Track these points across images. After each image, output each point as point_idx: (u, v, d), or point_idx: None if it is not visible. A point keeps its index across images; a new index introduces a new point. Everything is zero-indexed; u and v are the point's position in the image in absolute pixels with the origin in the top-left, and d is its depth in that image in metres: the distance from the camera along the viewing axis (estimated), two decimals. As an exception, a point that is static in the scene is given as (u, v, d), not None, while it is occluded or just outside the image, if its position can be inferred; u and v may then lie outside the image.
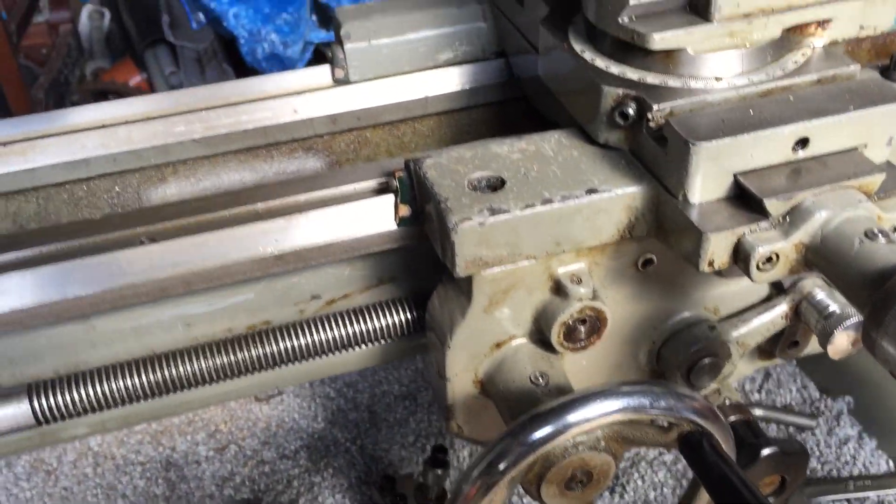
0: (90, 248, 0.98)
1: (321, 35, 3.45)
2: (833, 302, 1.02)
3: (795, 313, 1.06)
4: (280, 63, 3.47)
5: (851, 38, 0.95)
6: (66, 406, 0.98)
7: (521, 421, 0.84)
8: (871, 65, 1.04)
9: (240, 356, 1.02)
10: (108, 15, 4.54)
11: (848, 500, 1.26)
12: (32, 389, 0.98)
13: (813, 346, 1.15)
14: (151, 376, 1.00)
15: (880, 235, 0.79)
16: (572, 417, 0.83)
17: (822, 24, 0.94)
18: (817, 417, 1.38)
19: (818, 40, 0.95)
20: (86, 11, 4.51)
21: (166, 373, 1.00)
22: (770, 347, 1.13)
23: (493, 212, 0.89)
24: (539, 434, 0.83)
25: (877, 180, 0.85)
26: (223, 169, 1.21)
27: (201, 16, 3.68)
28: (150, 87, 4.10)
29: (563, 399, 0.84)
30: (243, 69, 3.46)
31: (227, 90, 1.21)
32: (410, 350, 1.16)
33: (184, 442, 1.40)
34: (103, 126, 1.16)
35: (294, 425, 1.41)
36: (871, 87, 0.90)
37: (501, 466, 0.84)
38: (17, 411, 0.97)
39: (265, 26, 3.45)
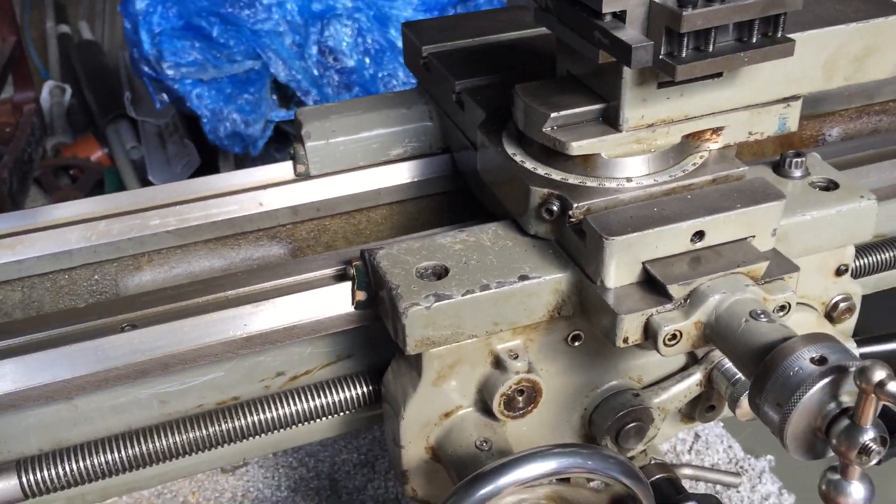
0: (76, 335, 1.08)
1: (281, 114, 3.61)
2: (739, 372, 1.16)
3: (709, 380, 1.20)
4: (241, 140, 3.61)
5: (742, 141, 1.11)
6: (51, 480, 1.07)
7: (465, 482, 0.96)
8: (766, 160, 1.21)
9: (210, 430, 1.12)
10: (69, 91, 4.66)
11: None
12: (20, 465, 1.07)
13: (729, 411, 1.29)
14: (129, 451, 1.09)
15: (763, 315, 0.93)
16: (510, 477, 0.94)
17: (715, 131, 1.10)
18: (741, 475, 1.51)
19: (713, 144, 1.10)
20: (47, 87, 4.62)
21: (142, 448, 1.10)
22: (690, 412, 1.26)
23: (438, 298, 1.02)
24: (482, 492, 0.94)
25: (762, 267, 1.00)
26: (194, 257, 1.33)
27: (164, 96, 3.80)
28: (111, 162, 4.21)
29: (501, 460, 0.96)
30: (204, 144, 3.59)
31: (198, 185, 1.34)
32: (368, 420, 1.27)
33: None
34: (84, 220, 1.27)
35: (259, 494, 1.50)
36: (758, 187, 1.05)
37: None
38: (7, 486, 1.06)
39: (227, 106, 3.59)
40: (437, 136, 1.41)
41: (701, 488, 1.46)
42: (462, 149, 1.36)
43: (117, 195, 1.30)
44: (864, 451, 0.81)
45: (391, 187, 1.38)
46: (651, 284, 1.00)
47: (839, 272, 1.20)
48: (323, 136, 1.37)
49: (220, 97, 3.67)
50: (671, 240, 1.00)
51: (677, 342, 0.98)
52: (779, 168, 1.19)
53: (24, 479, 1.06)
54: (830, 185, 1.16)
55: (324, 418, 1.20)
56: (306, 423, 1.18)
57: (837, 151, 1.36)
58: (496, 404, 1.09)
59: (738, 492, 1.44)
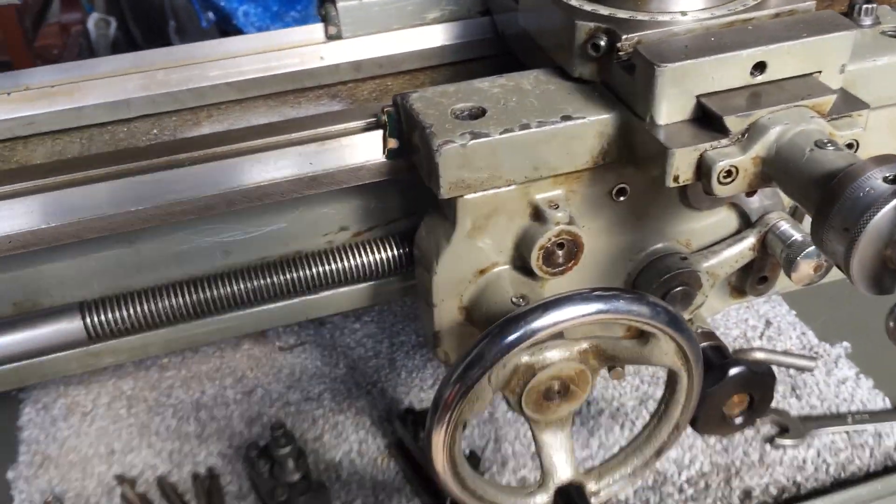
0: (139, 169, 1.04)
1: (329, 32, 3.54)
2: (796, 232, 1.08)
3: (762, 245, 1.12)
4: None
5: (812, -23, 1.02)
6: (114, 322, 1.06)
7: (497, 325, 0.90)
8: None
9: (271, 280, 1.11)
10: (114, 23, 4.64)
11: (847, 433, 1.32)
12: (84, 307, 1.06)
13: (781, 284, 1.21)
14: (191, 297, 1.08)
15: (829, 144, 0.85)
16: (545, 320, 0.88)
17: (781, -37, 1.00)
18: (817, 360, 1.45)
19: (778, -22, 1.01)
20: (92, 20, 4.61)
21: (204, 294, 1.09)
22: (741, 283, 1.19)
23: (475, 135, 0.95)
24: (512, 336, 0.89)
25: (829, 101, 0.91)
26: (253, 114, 1.28)
27: (211, 15, 3.77)
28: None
29: (536, 303, 0.90)
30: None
31: (248, 42, 1.29)
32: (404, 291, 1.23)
33: (212, 387, 1.48)
34: (142, 71, 1.24)
35: (317, 371, 1.49)
36: (826, 19, 0.96)
37: (477, 369, 0.90)
38: (70, 327, 1.06)
39: (274, 24, 3.55)
40: (477, -2, 1.33)
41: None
42: (504, 10, 1.28)
43: (173, 48, 1.25)
44: (941, 277, 0.73)
45: (429, 50, 1.31)
46: (705, 120, 0.93)
47: (914, 136, 1.10)
48: (356, -3, 1.30)
49: (267, 15, 3.63)
50: (729, 70, 0.92)
51: (733, 180, 0.90)
52: (849, 15, 1.09)
53: (87, 320, 1.06)
54: (905, 32, 1.06)
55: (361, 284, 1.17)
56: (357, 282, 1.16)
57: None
58: (535, 259, 1.02)
59: (813, 376, 1.39)
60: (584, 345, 0.97)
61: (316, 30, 1.31)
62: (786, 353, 1.46)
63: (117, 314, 1.07)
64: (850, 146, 0.91)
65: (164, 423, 1.44)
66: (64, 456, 1.38)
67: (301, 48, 1.28)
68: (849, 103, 0.94)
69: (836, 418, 1.35)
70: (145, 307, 1.08)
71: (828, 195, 0.79)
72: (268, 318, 1.20)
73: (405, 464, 1.32)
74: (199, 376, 1.51)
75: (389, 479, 1.33)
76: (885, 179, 0.76)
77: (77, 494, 1.32)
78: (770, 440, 1.33)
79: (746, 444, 1.33)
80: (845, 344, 1.48)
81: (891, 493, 1.20)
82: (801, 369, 1.44)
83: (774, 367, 1.41)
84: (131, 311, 1.08)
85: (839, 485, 1.26)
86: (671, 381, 0.99)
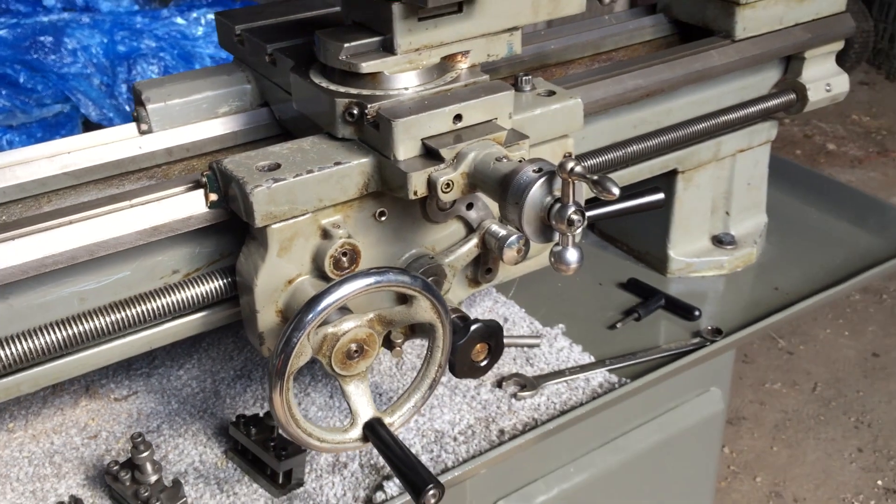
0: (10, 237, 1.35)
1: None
2: (503, 229, 1.58)
3: (483, 243, 1.60)
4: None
5: (483, 62, 1.55)
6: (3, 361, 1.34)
7: (306, 303, 1.29)
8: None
9: (120, 315, 1.43)
10: None
11: (566, 382, 1.80)
12: None
13: (503, 274, 1.70)
14: (53, 336, 1.38)
15: (505, 159, 1.35)
16: (338, 292, 1.29)
17: (464, 53, 1.53)
18: (541, 338, 1.95)
19: (463, 64, 1.53)
20: None
21: (65, 333, 1.38)
22: (474, 275, 1.67)
23: (276, 180, 1.36)
24: (312, 312, 1.28)
25: (503, 135, 1.43)
26: (87, 195, 1.58)
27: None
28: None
29: (330, 283, 1.30)
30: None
31: (85, 140, 1.62)
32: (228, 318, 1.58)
33: (59, 437, 1.66)
34: None
35: (152, 411, 1.72)
36: (496, 85, 1.49)
37: (294, 336, 1.28)
38: None
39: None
40: (256, 95, 1.76)
41: (511, 352, 1.88)
42: (279, 101, 1.71)
43: (18, 150, 1.55)
44: (570, 222, 1.24)
45: (224, 135, 1.71)
46: (429, 154, 1.40)
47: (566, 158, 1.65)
48: (161, 100, 1.68)
49: (32, 141, 3.81)
50: (439, 121, 1.40)
51: (451, 189, 1.38)
52: (515, 85, 1.63)
53: None
54: (550, 93, 1.62)
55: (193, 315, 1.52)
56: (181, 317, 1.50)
57: (570, 79, 1.84)
58: (327, 265, 1.43)
59: (540, 349, 1.89)
60: (371, 315, 1.39)
61: (132, 128, 1.67)
62: (520, 336, 1.96)
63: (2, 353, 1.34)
64: (520, 161, 1.43)
65: (22, 471, 1.64)
66: (-69, 510, 1.55)
67: (122, 141, 1.63)
68: (516, 136, 1.45)
69: (559, 374, 1.84)
70: (18, 348, 1.36)
71: (505, 185, 1.29)
72: (119, 352, 1.50)
73: (241, 459, 1.64)
74: (45, 432, 1.74)
75: (230, 475, 1.64)
76: (534, 171, 1.27)
77: (-50, 540, 1.50)
78: (514, 395, 1.80)
79: (498, 401, 1.79)
80: (561, 325, 2.00)
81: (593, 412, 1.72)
82: (531, 346, 1.93)
83: (513, 347, 1.92)
84: (12, 350, 1.35)
85: (564, 413, 1.75)
86: (432, 332, 1.42)
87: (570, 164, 1.21)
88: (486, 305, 2.07)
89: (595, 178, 1.19)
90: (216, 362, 1.93)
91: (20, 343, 1.36)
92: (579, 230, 1.25)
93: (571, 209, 1.23)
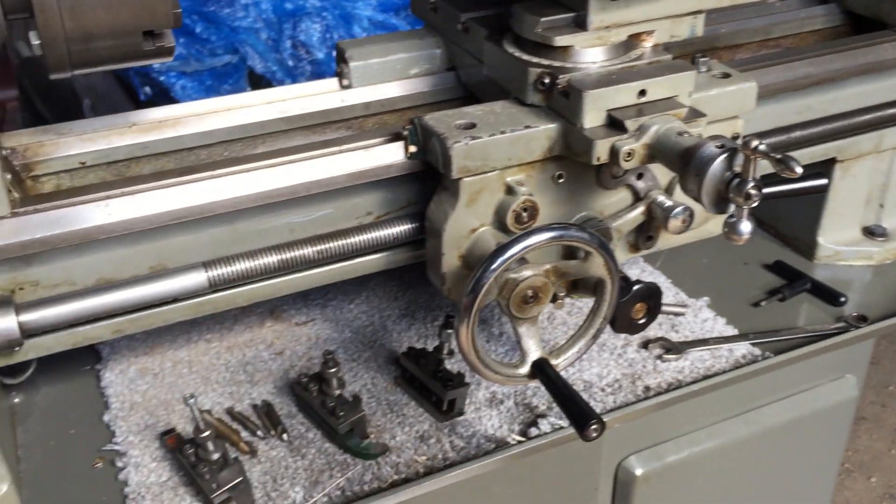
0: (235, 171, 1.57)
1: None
2: (669, 200, 1.69)
3: (648, 212, 1.71)
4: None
5: (666, 41, 1.65)
6: (228, 275, 1.56)
7: (494, 250, 1.45)
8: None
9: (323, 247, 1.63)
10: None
11: (709, 350, 1.91)
12: (207, 265, 1.56)
13: (662, 243, 1.81)
14: (270, 258, 1.60)
15: (685, 133, 1.47)
16: (521, 244, 1.44)
17: (648, 33, 1.64)
18: (687, 307, 2.05)
19: (647, 43, 1.64)
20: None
21: (279, 257, 1.60)
22: (636, 241, 1.79)
23: (473, 138, 1.52)
24: (502, 258, 1.43)
25: (683, 111, 1.54)
26: (295, 139, 1.78)
27: (148, 89, 4.19)
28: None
29: (515, 235, 1.45)
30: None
31: (294, 90, 1.83)
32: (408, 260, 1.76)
33: (250, 351, 1.91)
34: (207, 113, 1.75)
35: (328, 337, 1.94)
36: (678, 65, 1.60)
37: (484, 280, 1.44)
38: (197, 280, 1.54)
39: (208, 96, 4.02)
40: (445, 59, 1.91)
41: (658, 321, 1.99)
42: (466, 66, 1.87)
43: (223, 98, 1.77)
44: (748, 196, 1.34)
45: (414, 94, 1.88)
46: (613, 124, 1.53)
47: (734, 139, 1.75)
48: (362, 59, 1.86)
49: (202, 88, 4.09)
50: (625, 94, 1.53)
51: (632, 158, 1.50)
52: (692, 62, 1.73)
53: (209, 274, 1.56)
54: (725, 75, 1.71)
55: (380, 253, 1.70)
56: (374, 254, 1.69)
57: (738, 63, 1.92)
58: (509, 219, 1.58)
59: (685, 318, 2.00)
60: (547, 265, 1.53)
61: (334, 82, 1.86)
62: (667, 304, 2.07)
63: (229, 269, 1.56)
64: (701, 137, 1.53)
65: (220, 375, 1.88)
66: (147, 401, 1.80)
67: (327, 94, 1.83)
68: (694, 113, 1.56)
69: (702, 342, 1.95)
70: (246, 264, 1.57)
71: (687, 158, 1.40)
72: (317, 278, 1.70)
73: (409, 387, 1.83)
74: (238, 345, 1.97)
75: (399, 399, 1.82)
76: (717, 147, 1.38)
77: (165, 424, 1.75)
78: (659, 357, 1.92)
79: (643, 360, 1.91)
80: (706, 298, 2.10)
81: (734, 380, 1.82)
82: (677, 314, 2.04)
83: (661, 315, 2.03)
84: (238, 266, 1.57)
85: (706, 378, 1.86)
86: (600, 287, 1.56)
87: (755, 143, 1.31)
88: (634, 273, 2.18)
89: (779, 156, 1.29)
90: (382, 300, 2.12)
91: (242, 262, 1.58)
92: (755, 204, 1.36)
93: (751, 184, 1.34)
